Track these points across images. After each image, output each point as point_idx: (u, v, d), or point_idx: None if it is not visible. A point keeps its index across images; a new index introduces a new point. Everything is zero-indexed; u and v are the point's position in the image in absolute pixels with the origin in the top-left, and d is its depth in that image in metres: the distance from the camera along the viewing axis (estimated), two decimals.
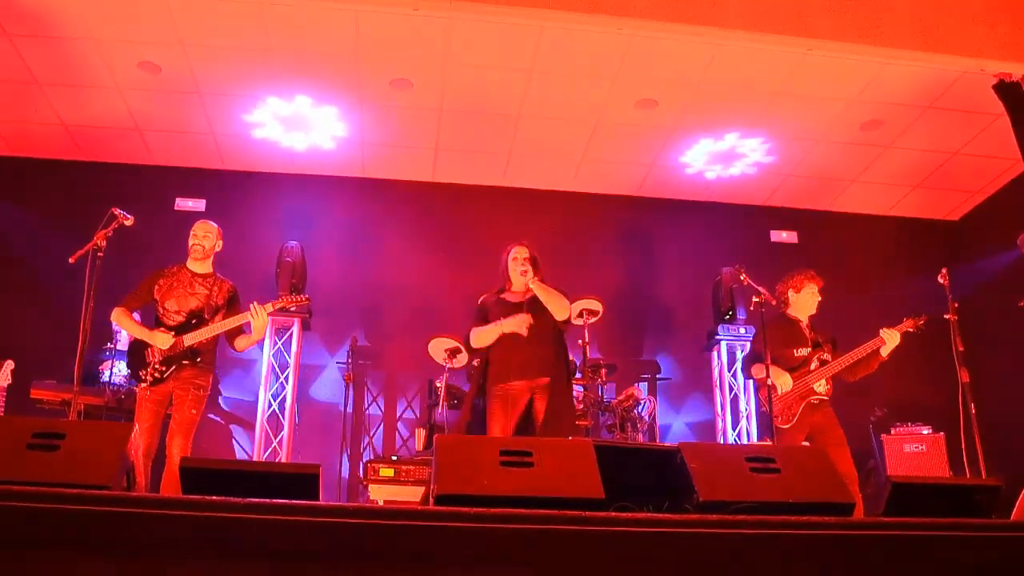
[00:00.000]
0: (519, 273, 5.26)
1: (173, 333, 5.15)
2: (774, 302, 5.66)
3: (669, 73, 6.73)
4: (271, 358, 7.41)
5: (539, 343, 5.12)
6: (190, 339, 5.16)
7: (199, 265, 5.39)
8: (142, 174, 8.06)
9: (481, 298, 5.43)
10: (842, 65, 6.54)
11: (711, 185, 8.50)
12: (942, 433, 7.01)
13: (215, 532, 2.35)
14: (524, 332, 5.08)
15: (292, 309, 5.55)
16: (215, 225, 5.49)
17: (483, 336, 5.22)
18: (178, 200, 8.13)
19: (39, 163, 7.97)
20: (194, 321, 5.23)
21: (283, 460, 6.87)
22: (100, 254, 4.72)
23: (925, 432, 7.14)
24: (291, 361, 7.42)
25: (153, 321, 5.29)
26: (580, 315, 6.59)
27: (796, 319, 5.70)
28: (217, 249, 5.47)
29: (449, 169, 8.35)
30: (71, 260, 4.76)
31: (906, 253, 8.58)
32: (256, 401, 7.25)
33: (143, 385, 5.13)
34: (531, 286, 5.18)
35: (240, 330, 5.29)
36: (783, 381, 5.40)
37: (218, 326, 5.23)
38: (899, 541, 2.60)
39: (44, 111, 7.29)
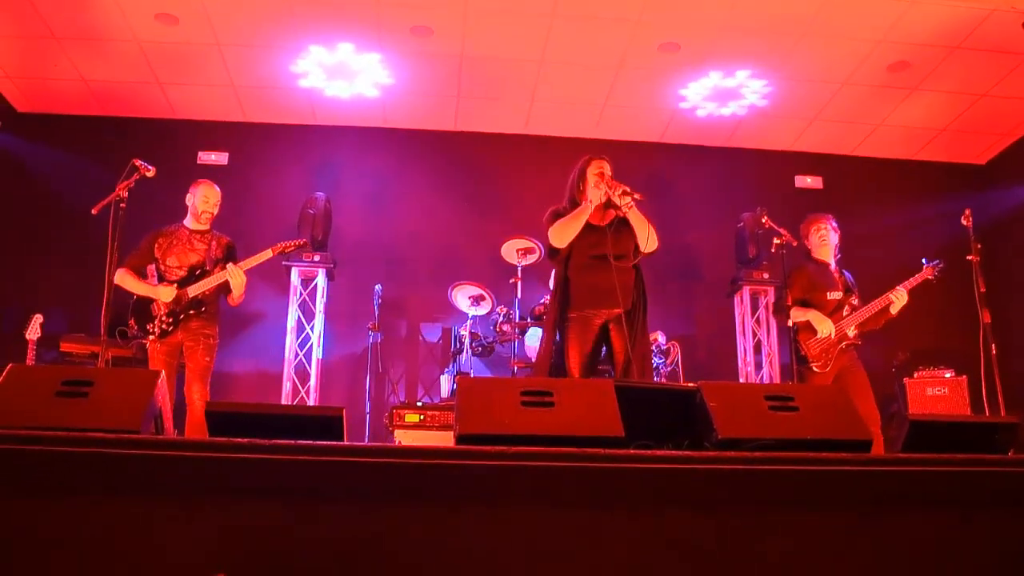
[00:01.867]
0: (603, 190, 4.81)
1: (176, 286, 5.33)
2: (795, 243, 5.64)
3: (692, 14, 6.63)
4: (297, 308, 7.49)
5: (620, 270, 4.73)
6: (194, 290, 5.36)
7: (196, 223, 5.57)
8: (164, 128, 8.08)
9: (552, 208, 4.98)
10: (869, 4, 6.42)
11: (736, 131, 8.42)
12: (964, 376, 7.01)
13: (243, 473, 2.41)
14: (616, 198, 4.69)
15: (286, 252, 5.63)
16: (219, 190, 5.65)
17: (567, 227, 4.76)
18: (201, 154, 8.17)
19: (61, 119, 8.01)
20: (198, 273, 5.43)
21: None
22: (123, 205, 4.76)
23: (947, 375, 7.14)
24: (316, 311, 7.51)
25: (158, 278, 5.46)
26: None
27: (824, 261, 5.72)
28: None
29: (471, 118, 8.31)
30: (94, 211, 4.80)
31: (932, 197, 8.48)
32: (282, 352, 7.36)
33: (151, 338, 5.33)
34: (624, 208, 4.71)
35: (229, 288, 5.44)
36: (826, 327, 5.42)
37: (218, 276, 5.39)
38: (916, 477, 2.62)
39: (64, 66, 7.30)
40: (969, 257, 5.53)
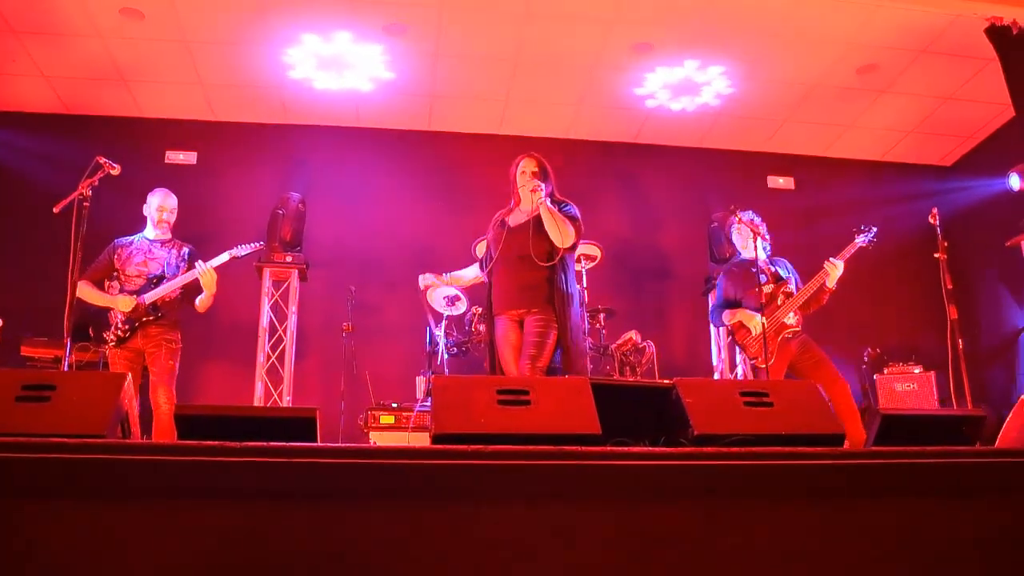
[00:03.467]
0: (528, 190, 4.85)
1: (135, 296, 5.32)
2: (767, 239, 5.69)
3: (665, 15, 6.65)
4: (269, 310, 7.42)
5: (533, 268, 4.75)
6: (150, 297, 5.35)
7: (156, 232, 5.58)
8: (130, 127, 7.96)
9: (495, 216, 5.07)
10: (838, 8, 6.48)
11: (709, 132, 8.46)
12: (932, 372, 7.11)
13: (213, 476, 2.36)
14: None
15: (243, 255, 5.64)
16: (174, 197, 5.67)
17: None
18: (168, 153, 8.07)
19: (21, 116, 7.82)
20: (156, 283, 5.41)
21: None
22: (86, 204, 4.68)
23: (916, 371, 7.24)
24: (289, 312, 7.45)
25: (117, 290, 5.42)
26: (578, 260, 6.58)
27: (750, 259, 5.69)
28: None
29: (446, 117, 8.28)
30: (55, 210, 4.72)
31: (900, 197, 8.59)
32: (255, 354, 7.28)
33: (109, 345, 5.32)
34: (540, 207, 4.76)
35: (198, 290, 5.42)
36: (753, 323, 5.47)
37: (175, 282, 5.40)
38: (887, 469, 2.64)
39: (23, 62, 7.14)
40: (936, 255, 5.64)
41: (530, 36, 6.89)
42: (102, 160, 4.85)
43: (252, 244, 5.77)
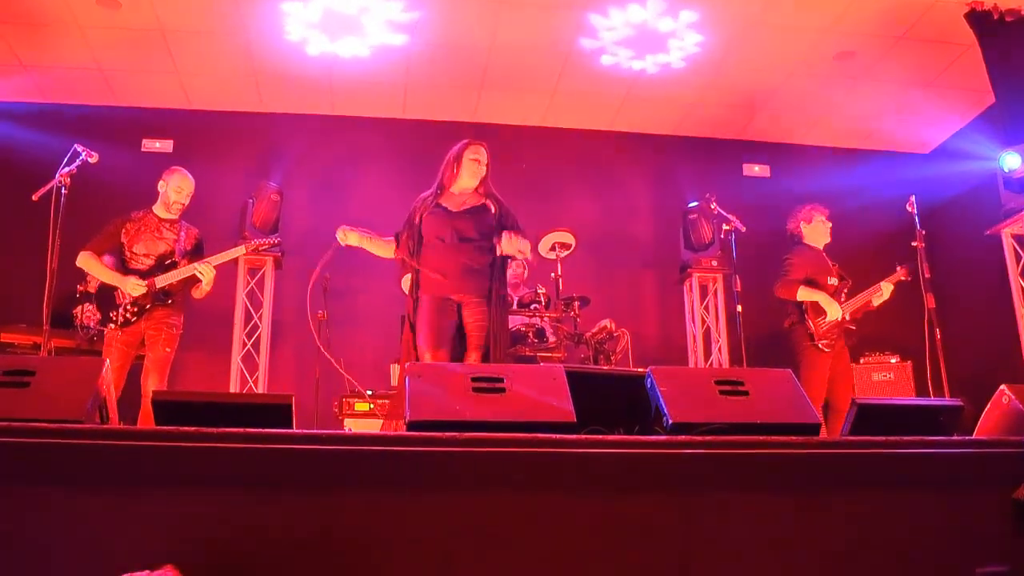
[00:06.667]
0: (474, 175, 4.84)
1: (142, 277, 5.17)
2: (744, 229, 5.74)
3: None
4: (244, 298, 7.40)
5: (474, 252, 4.70)
6: (162, 281, 5.20)
7: (166, 211, 5.42)
8: (106, 115, 7.89)
9: (417, 199, 5.02)
10: None
11: (685, 119, 8.46)
12: (909, 361, 7.15)
13: (190, 462, 2.37)
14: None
15: (259, 251, 5.63)
16: (192, 180, 5.50)
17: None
18: (145, 141, 8.01)
19: None
20: (167, 263, 5.27)
21: None
22: (65, 192, 4.66)
23: (893, 361, 7.29)
24: (265, 300, 7.43)
25: (120, 264, 5.28)
26: (552, 248, 6.59)
27: (816, 248, 5.90)
28: None
29: (419, 106, 8.26)
30: (34, 198, 4.71)
31: (877, 185, 8.60)
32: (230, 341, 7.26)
33: (112, 326, 5.16)
34: (505, 245, 4.66)
35: (197, 280, 5.32)
36: (835, 310, 5.62)
37: (188, 269, 5.26)
38: (862, 459, 2.66)
39: (1, 51, 7.08)
40: (914, 244, 5.68)
41: (505, 23, 6.88)
42: (80, 148, 4.81)
43: (269, 239, 5.87)
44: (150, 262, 5.26)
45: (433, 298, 4.67)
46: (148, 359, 5.17)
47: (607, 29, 6.99)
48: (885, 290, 5.74)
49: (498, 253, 4.72)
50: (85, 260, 5.19)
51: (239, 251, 5.55)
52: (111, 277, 5.18)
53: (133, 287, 5.12)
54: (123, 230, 5.30)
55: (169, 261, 5.28)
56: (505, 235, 4.67)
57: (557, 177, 8.42)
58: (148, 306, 5.18)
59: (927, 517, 2.65)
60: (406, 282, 6.23)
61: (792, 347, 5.67)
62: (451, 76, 7.76)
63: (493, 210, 4.82)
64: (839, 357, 5.69)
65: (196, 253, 5.42)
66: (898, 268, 5.85)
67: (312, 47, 7.16)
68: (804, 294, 5.67)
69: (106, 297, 5.22)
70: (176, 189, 5.40)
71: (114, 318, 5.16)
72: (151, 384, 5.10)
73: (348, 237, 4.95)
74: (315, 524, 2.36)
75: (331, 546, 2.34)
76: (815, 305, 5.65)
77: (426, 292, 4.71)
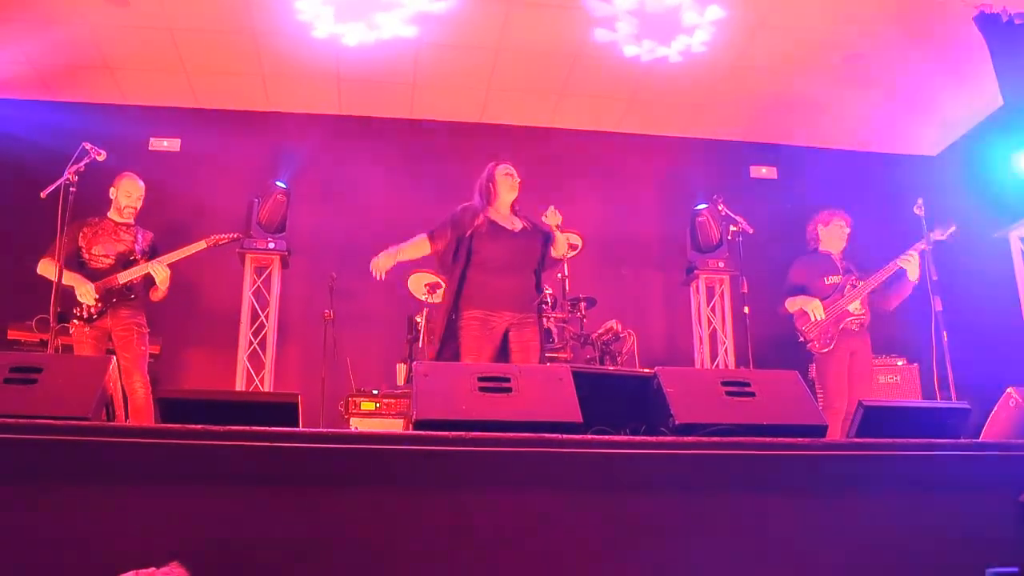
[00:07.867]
0: (512, 188, 5.05)
1: (105, 277, 5.34)
2: (751, 231, 5.74)
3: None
4: (251, 296, 7.41)
5: (526, 274, 4.92)
6: (124, 276, 5.39)
7: (120, 216, 5.59)
8: (114, 114, 7.90)
9: (462, 206, 5.10)
10: None
11: (692, 121, 8.44)
12: (916, 364, 7.12)
13: (197, 460, 2.37)
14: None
15: (219, 245, 5.78)
16: (142, 184, 5.66)
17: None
18: (152, 140, 8.02)
19: (5, 102, 7.75)
20: (129, 260, 5.46)
21: None
22: (72, 189, 4.68)
23: (899, 363, 7.25)
24: (271, 299, 7.44)
25: (77, 267, 5.40)
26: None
27: (827, 252, 5.94)
28: None
29: (427, 106, 8.25)
30: (42, 195, 4.73)
31: (885, 187, 8.57)
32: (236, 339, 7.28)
33: (77, 322, 5.30)
34: (554, 225, 4.89)
35: (153, 282, 5.47)
36: (814, 307, 5.62)
37: (149, 264, 5.42)
38: (869, 461, 2.66)
39: (7, 47, 7.08)
40: (922, 246, 5.64)
41: (513, 24, 6.87)
42: (88, 146, 4.84)
43: (229, 234, 5.84)
44: (110, 261, 5.44)
45: (480, 316, 4.72)
46: (125, 360, 5.24)
47: (613, 18, 6.95)
48: (909, 262, 5.62)
49: (554, 255, 5.00)
50: (44, 267, 5.31)
51: (199, 246, 5.63)
52: (71, 279, 5.27)
53: (83, 294, 5.27)
54: (80, 234, 5.44)
55: (131, 259, 5.47)
56: (559, 235, 4.91)
57: (564, 178, 8.41)
58: (114, 300, 5.34)
59: (934, 519, 2.65)
60: (415, 282, 6.26)
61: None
62: (458, 75, 7.75)
63: (539, 232, 5.00)
64: (856, 357, 5.66)
65: (152, 255, 5.56)
66: (928, 234, 5.66)
67: (319, 31, 7.09)
68: (789, 304, 5.77)
69: (69, 296, 5.31)
70: (126, 194, 5.58)
71: (79, 314, 5.30)
72: (137, 382, 5.23)
73: (381, 268, 5.12)
74: (321, 522, 2.36)
75: (337, 544, 2.35)
76: (801, 312, 5.71)
77: (471, 308, 4.74)
